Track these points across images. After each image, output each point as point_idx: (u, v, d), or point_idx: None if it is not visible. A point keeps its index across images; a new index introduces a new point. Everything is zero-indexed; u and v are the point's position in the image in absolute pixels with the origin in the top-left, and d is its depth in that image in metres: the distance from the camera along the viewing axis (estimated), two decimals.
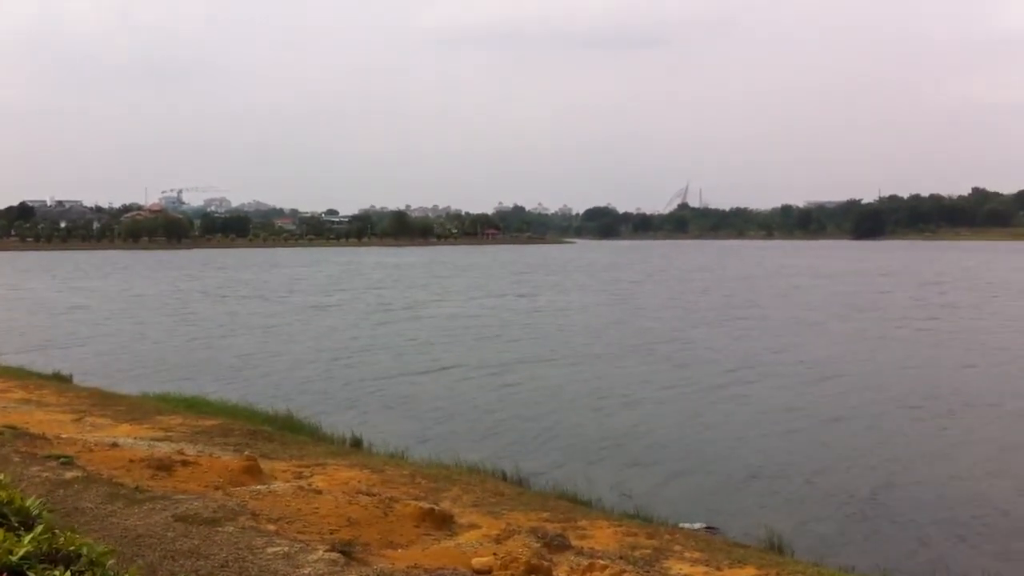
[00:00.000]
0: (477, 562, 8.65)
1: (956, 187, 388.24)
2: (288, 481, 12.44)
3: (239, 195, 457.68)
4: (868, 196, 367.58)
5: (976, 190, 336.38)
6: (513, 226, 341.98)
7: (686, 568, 10.08)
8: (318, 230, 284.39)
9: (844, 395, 28.34)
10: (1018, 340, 41.56)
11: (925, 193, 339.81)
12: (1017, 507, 16.81)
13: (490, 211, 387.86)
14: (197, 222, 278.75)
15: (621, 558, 9.85)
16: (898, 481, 18.56)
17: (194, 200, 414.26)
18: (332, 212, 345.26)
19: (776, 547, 13.04)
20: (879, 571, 12.68)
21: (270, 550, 8.31)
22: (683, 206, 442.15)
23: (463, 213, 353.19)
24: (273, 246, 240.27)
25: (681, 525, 14.00)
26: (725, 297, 69.56)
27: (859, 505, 16.93)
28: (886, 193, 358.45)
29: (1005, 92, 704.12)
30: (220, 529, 9.01)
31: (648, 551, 10.72)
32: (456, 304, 65.34)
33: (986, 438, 22.41)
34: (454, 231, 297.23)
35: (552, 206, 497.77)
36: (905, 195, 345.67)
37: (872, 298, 66.67)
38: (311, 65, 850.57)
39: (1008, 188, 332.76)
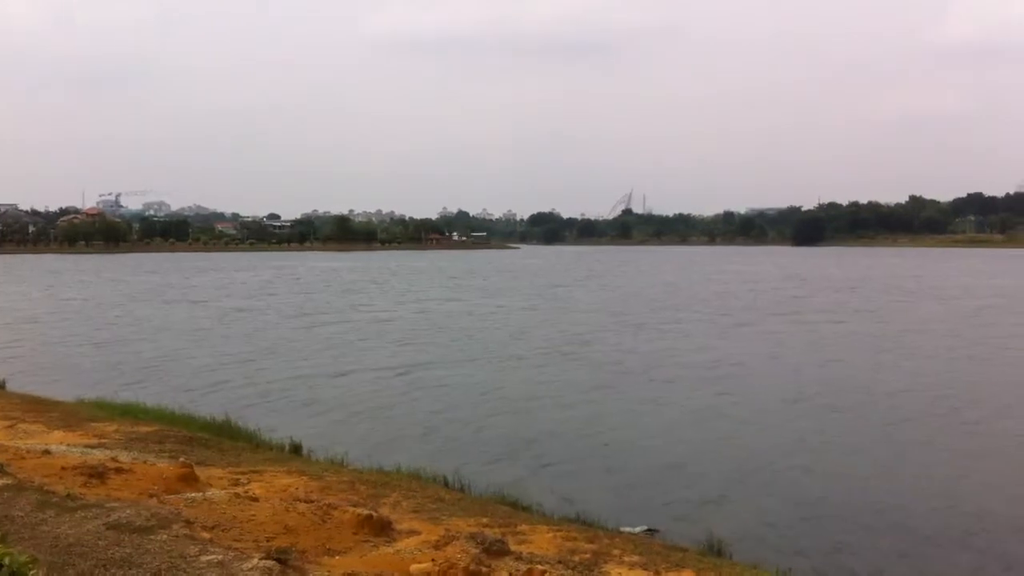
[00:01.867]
0: (415, 568, 8.60)
1: (894, 195, 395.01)
2: (224, 488, 12.28)
3: (179, 199, 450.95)
4: (808, 203, 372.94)
5: (913, 198, 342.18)
6: (458, 231, 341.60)
7: (624, 572, 10.09)
8: (260, 235, 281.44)
9: (767, 395, 29.20)
10: (921, 342, 43.18)
11: (864, 200, 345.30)
12: (946, 505, 17.09)
13: (435, 216, 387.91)
14: (136, 226, 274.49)
15: (560, 563, 9.84)
16: (833, 483, 18.80)
17: (133, 204, 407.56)
18: (274, 216, 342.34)
19: (715, 550, 13.11)
20: (814, 573, 12.79)
21: (204, 558, 8.19)
22: (627, 212, 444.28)
23: (407, 218, 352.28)
24: (214, 250, 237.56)
25: (622, 529, 14.04)
26: (653, 301, 70.99)
27: (798, 506, 17.13)
28: (826, 200, 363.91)
29: (942, 103, 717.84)
30: (153, 537, 8.86)
31: (587, 555, 10.71)
32: (389, 307, 65.77)
33: (915, 439, 22.80)
34: (398, 236, 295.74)
35: (497, 211, 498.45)
36: (844, 202, 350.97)
37: (793, 302, 68.72)
38: (254, 70, 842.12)
39: (944, 196, 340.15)
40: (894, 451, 21.70)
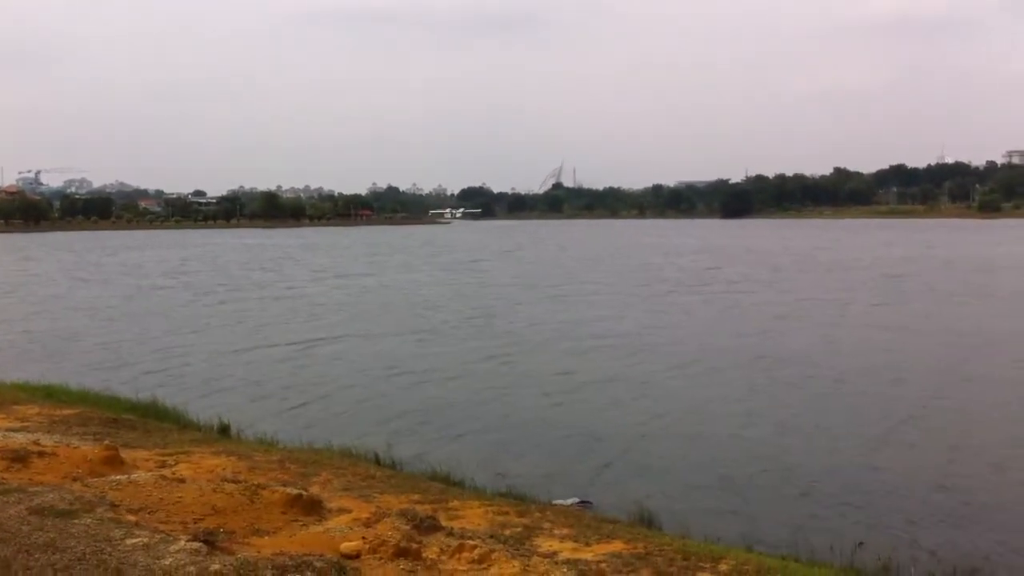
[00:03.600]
0: (346, 547, 8.56)
1: (820, 167, 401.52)
2: (151, 470, 12.11)
3: (102, 176, 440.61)
4: (736, 176, 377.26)
5: (838, 170, 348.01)
6: (387, 207, 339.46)
7: (555, 544, 10.15)
8: (184, 212, 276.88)
9: (682, 364, 30.04)
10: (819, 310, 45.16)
11: (790, 173, 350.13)
12: (874, 472, 17.50)
13: (364, 192, 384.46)
14: (57, 204, 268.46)
15: (492, 537, 9.85)
16: (762, 451, 19.16)
17: (53, 181, 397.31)
18: (199, 193, 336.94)
19: (645, 520, 13.26)
20: (744, 541, 12.98)
21: (129, 541, 8.09)
22: (557, 186, 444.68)
23: (336, 194, 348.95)
24: (137, 228, 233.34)
25: (555, 502, 14.14)
26: (571, 274, 72.63)
27: (726, 475, 17.42)
28: (753, 173, 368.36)
29: (865, 76, 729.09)
30: (77, 521, 8.73)
31: (519, 529, 10.77)
32: (307, 283, 66.18)
33: (840, 406, 23.33)
34: (327, 212, 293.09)
35: (427, 186, 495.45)
36: (771, 175, 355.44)
37: (706, 274, 70.89)
38: (176, 43, 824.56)
39: (868, 168, 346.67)
40: (811, 417, 22.44)
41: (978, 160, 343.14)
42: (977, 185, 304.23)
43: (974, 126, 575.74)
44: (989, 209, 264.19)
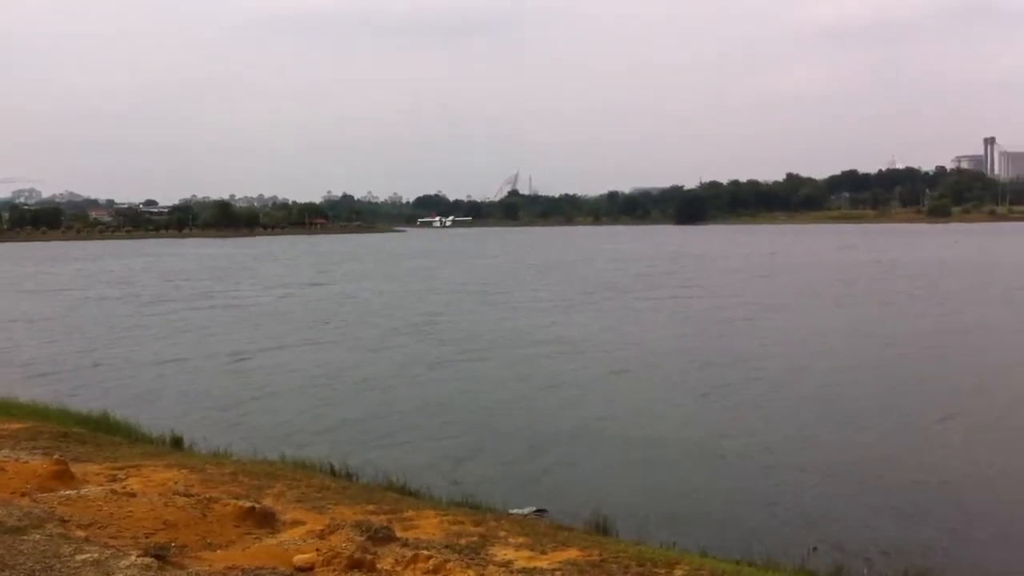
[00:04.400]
0: (299, 559, 8.50)
1: (773, 173, 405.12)
2: (101, 484, 11.97)
3: (51, 186, 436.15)
4: (691, 182, 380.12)
5: (791, 176, 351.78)
6: (342, 215, 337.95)
7: (510, 553, 10.16)
8: (136, 222, 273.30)
9: (639, 368, 30.64)
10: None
11: (744, 179, 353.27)
12: (827, 476, 17.66)
13: (319, 200, 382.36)
14: (5, 215, 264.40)
15: (447, 547, 9.84)
16: (716, 455, 19.28)
17: (1, 192, 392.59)
18: (151, 203, 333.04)
19: (601, 528, 13.29)
20: (699, 546, 13.05)
21: (79, 557, 7.98)
22: (513, 193, 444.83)
23: (290, 203, 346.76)
24: (88, 239, 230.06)
25: (511, 511, 14.14)
26: (523, 281, 73.73)
27: (682, 480, 17.52)
28: (707, 179, 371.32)
29: (817, 83, 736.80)
30: (26, 537, 8.59)
31: (474, 538, 10.76)
32: (257, 294, 65.77)
33: (791, 410, 23.53)
34: (281, 221, 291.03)
35: (382, 194, 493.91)
36: (725, 181, 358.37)
37: (656, 279, 71.77)
38: (125, 49, 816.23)
39: (820, 174, 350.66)
40: (762, 421, 22.72)
41: (928, 165, 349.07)
42: (927, 190, 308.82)
43: (924, 132, 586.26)
44: (939, 214, 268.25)
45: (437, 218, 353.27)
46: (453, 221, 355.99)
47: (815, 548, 13.54)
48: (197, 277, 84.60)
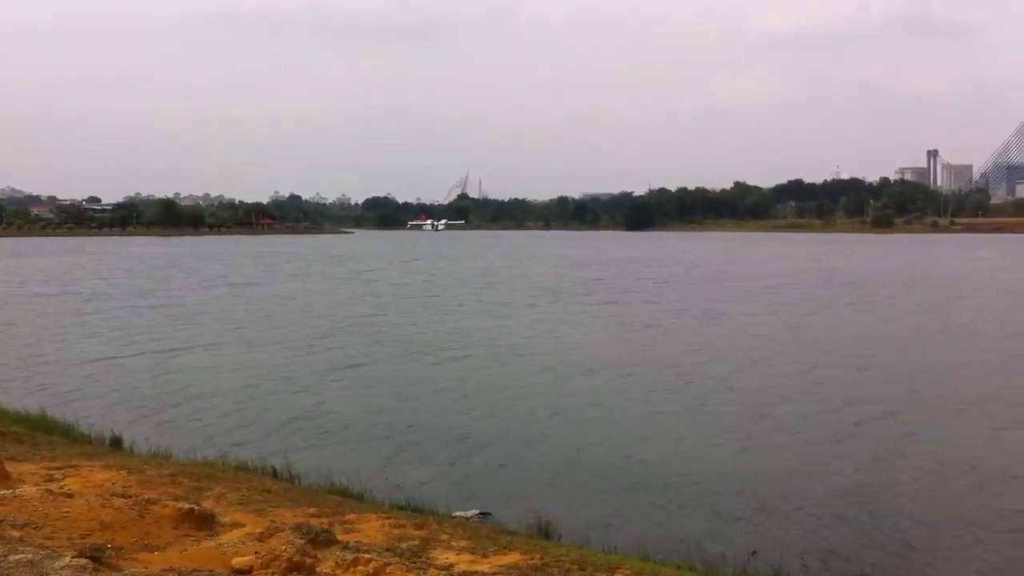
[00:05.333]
0: (237, 562, 8.43)
1: (720, 181, 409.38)
2: (37, 484, 11.76)
3: None
4: (640, 189, 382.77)
5: (738, 184, 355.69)
6: (290, 216, 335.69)
7: (452, 557, 10.16)
8: (78, 219, 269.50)
9: (580, 372, 30.72)
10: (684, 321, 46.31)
11: (692, 186, 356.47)
12: (767, 481, 17.83)
13: (266, 200, 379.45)
14: None
15: (388, 550, 9.81)
16: (658, 459, 19.39)
17: None
18: (94, 200, 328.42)
19: (544, 531, 13.33)
20: (640, 550, 13.13)
21: (12, 558, 7.83)
22: (463, 196, 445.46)
23: (237, 202, 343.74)
24: (29, 235, 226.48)
25: (454, 514, 14.13)
26: (463, 283, 74.64)
27: (624, 484, 17.58)
28: (656, 186, 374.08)
29: (764, 92, 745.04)
30: None
31: (416, 542, 10.74)
32: (192, 292, 65.76)
33: (730, 414, 23.74)
34: (227, 221, 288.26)
35: (331, 195, 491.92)
36: (673, 188, 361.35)
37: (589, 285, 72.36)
38: (67, 41, 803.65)
39: (767, 182, 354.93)
40: (702, 425, 22.97)
41: (872, 176, 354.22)
42: (871, 200, 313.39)
43: (869, 143, 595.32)
44: (882, 224, 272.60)
45: (429, 221, 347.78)
46: (446, 225, 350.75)
47: (754, 552, 13.68)
48: (137, 276, 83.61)
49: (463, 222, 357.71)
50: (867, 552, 14.09)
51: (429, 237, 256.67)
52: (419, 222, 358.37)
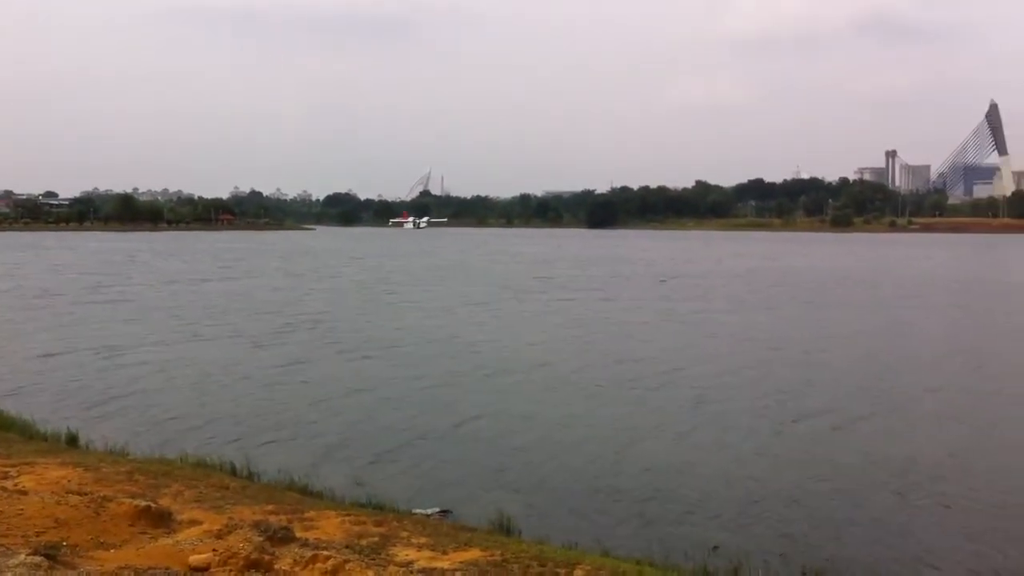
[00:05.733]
0: (195, 559, 8.36)
1: (682, 180, 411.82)
2: None
3: None
4: (602, 187, 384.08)
5: (699, 183, 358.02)
6: (250, 212, 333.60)
7: (412, 554, 10.14)
8: (35, 214, 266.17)
9: (533, 368, 30.79)
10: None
11: (654, 185, 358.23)
12: (728, 478, 17.94)
13: (226, 196, 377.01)
14: None
15: (347, 547, 9.77)
16: (619, 456, 19.43)
17: None
18: (51, 194, 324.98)
19: (504, 528, 13.32)
20: (601, 546, 13.16)
21: None
22: (425, 193, 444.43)
23: (196, 197, 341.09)
24: None
25: (415, 511, 14.09)
26: (417, 280, 74.93)
27: (585, 481, 17.61)
28: (618, 184, 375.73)
29: (726, 93, 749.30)
30: None
31: (375, 539, 10.71)
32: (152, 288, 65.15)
33: (689, 411, 23.84)
34: (186, 216, 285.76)
35: (291, 192, 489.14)
36: (635, 186, 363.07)
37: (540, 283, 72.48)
38: (25, 35, 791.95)
39: (728, 181, 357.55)
40: (661, 421, 23.03)
41: (832, 176, 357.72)
42: (830, 200, 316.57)
43: (829, 143, 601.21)
44: (841, 223, 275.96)
45: (411, 219, 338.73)
46: (428, 222, 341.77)
47: (715, 548, 13.75)
48: (91, 271, 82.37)
49: (446, 220, 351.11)
50: (827, 546, 14.23)
51: (409, 236, 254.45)
52: (401, 219, 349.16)
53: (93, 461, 14.58)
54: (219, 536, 9.46)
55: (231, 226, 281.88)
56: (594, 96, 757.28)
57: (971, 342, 39.46)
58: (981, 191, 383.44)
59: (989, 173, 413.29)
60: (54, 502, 9.97)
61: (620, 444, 20.56)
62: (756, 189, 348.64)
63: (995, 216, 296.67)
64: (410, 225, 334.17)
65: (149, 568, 7.70)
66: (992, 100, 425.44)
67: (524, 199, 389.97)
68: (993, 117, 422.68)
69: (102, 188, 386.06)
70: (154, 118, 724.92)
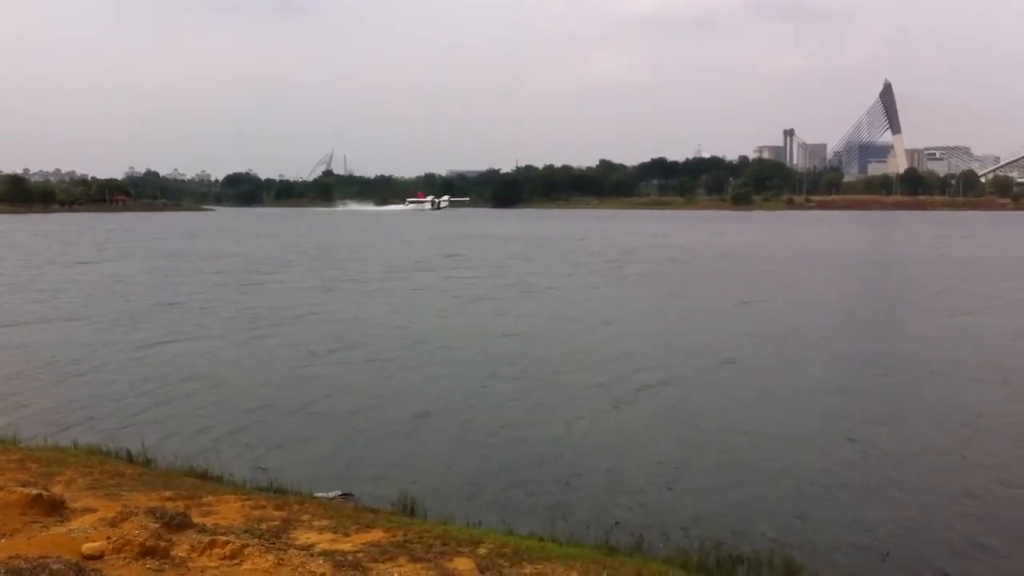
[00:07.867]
0: (88, 547, 8.19)
1: (586, 159, 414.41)
2: None
3: None
4: (507, 166, 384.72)
5: (603, 162, 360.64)
6: (146, 193, 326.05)
7: (313, 536, 10.08)
8: None
9: (434, 348, 30.68)
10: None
11: (558, 164, 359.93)
12: (629, 455, 18.17)
13: (121, 176, 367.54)
14: None
15: (247, 532, 9.66)
16: (519, 435, 19.54)
17: None
18: None
19: (408, 509, 13.32)
20: (504, 524, 13.24)
21: None
22: (328, 173, 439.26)
23: (90, 178, 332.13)
24: None
25: (316, 494, 13.99)
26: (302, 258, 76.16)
27: (488, 460, 17.67)
28: (523, 163, 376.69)
29: (630, 72, 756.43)
30: None
31: (276, 523, 10.63)
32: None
33: (589, 387, 24.08)
34: (80, 197, 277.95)
35: (189, 172, 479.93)
36: (540, 166, 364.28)
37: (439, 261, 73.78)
38: None
39: (631, 161, 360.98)
40: (560, 398, 23.23)
41: (732, 154, 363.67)
42: (731, 178, 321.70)
43: (729, 123, 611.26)
44: (741, 201, 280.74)
45: (429, 198, 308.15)
46: (450, 202, 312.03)
47: (617, 523, 13.92)
48: None
49: (467, 199, 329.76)
50: (726, 520, 14.49)
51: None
52: (417, 199, 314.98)
53: None
54: (113, 523, 9.26)
55: (126, 207, 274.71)
56: (499, 75, 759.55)
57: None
58: (876, 169, 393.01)
59: (883, 151, 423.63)
60: None
61: (525, 423, 20.64)
62: (659, 168, 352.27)
63: (888, 193, 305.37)
64: (429, 206, 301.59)
65: (41, 557, 7.50)
66: (886, 80, 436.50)
67: (429, 178, 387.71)
68: (887, 97, 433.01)
69: None
70: (45, 93, 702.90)
